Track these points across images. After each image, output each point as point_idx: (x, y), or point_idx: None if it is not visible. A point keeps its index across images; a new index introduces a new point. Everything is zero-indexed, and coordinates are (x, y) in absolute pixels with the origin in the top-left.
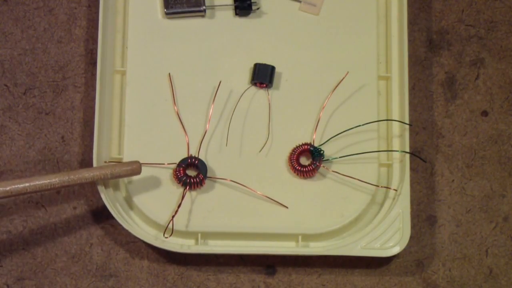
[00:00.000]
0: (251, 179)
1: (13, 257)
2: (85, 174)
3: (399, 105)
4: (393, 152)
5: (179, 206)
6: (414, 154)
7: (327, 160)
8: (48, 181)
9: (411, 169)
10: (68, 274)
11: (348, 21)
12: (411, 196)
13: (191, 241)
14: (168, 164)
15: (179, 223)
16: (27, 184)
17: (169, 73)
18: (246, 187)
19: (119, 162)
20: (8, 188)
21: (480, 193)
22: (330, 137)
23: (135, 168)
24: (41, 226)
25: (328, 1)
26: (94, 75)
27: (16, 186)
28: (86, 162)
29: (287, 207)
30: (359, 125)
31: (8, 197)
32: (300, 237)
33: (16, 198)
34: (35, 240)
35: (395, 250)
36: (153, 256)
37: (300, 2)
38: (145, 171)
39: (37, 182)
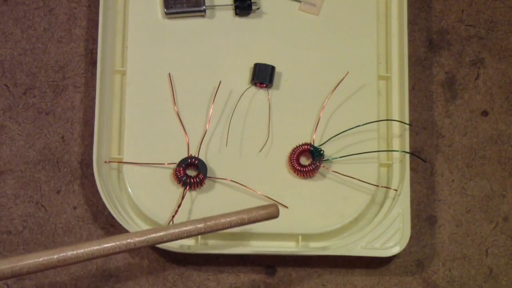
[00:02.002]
0: (251, 179)
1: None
2: (222, 220)
3: (399, 105)
4: (393, 152)
5: (179, 206)
6: (414, 154)
7: (327, 160)
8: (182, 229)
9: (411, 169)
10: (68, 274)
11: (348, 21)
12: (411, 196)
13: (191, 241)
14: (168, 164)
15: None
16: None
17: (169, 73)
18: (246, 187)
19: (257, 207)
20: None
21: (480, 193)
22: (330, 137)
23: (273, 211)
24: (41, 226)
25: (328, 1)
26: (94, 75)
27: (151, 236)
28: (86, 162)
29: (287, 207)
30: (359, 125)
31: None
32: (300, 237)
33: (16, 198)
34: (35, 240)
35: (395, 250)
36: (153, 256)
37: (300, 2)
38: (145, 171)
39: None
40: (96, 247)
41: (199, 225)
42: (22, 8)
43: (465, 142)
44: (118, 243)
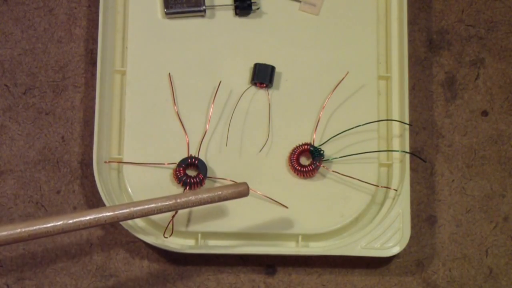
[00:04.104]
0: (251, 179)
1: (13, 257)
2: (192, 198)
3: (399, 105)
4: (393, 152)
5: None
6: (414, 154)
7: (327, 160)
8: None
9: (411, 169)
10: (68, 274)
11: (348, 21)
12: (411, 196)
13: (191, 241)
14: (168, 164)
15: (179, 223)
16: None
17: (169, 73)
18: None
19: (226, 185)
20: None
21: (480, 193)
22: (330, 137)
23: (243, 190)
24: None
25: (328, 1)
26: (94, 75)
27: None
28: (86, 162)
29: (287, 207)
30: (359, 125)
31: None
32: (300, 237)
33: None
34: (35, 240)
35: (395, 250)
36: (153, 256)
37: (300, 2)
38: (145, 171)
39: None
40: (67, 221)
41: (169, 202)
42: (22, 8)
43: (465, 142)
44: (89, 217)
